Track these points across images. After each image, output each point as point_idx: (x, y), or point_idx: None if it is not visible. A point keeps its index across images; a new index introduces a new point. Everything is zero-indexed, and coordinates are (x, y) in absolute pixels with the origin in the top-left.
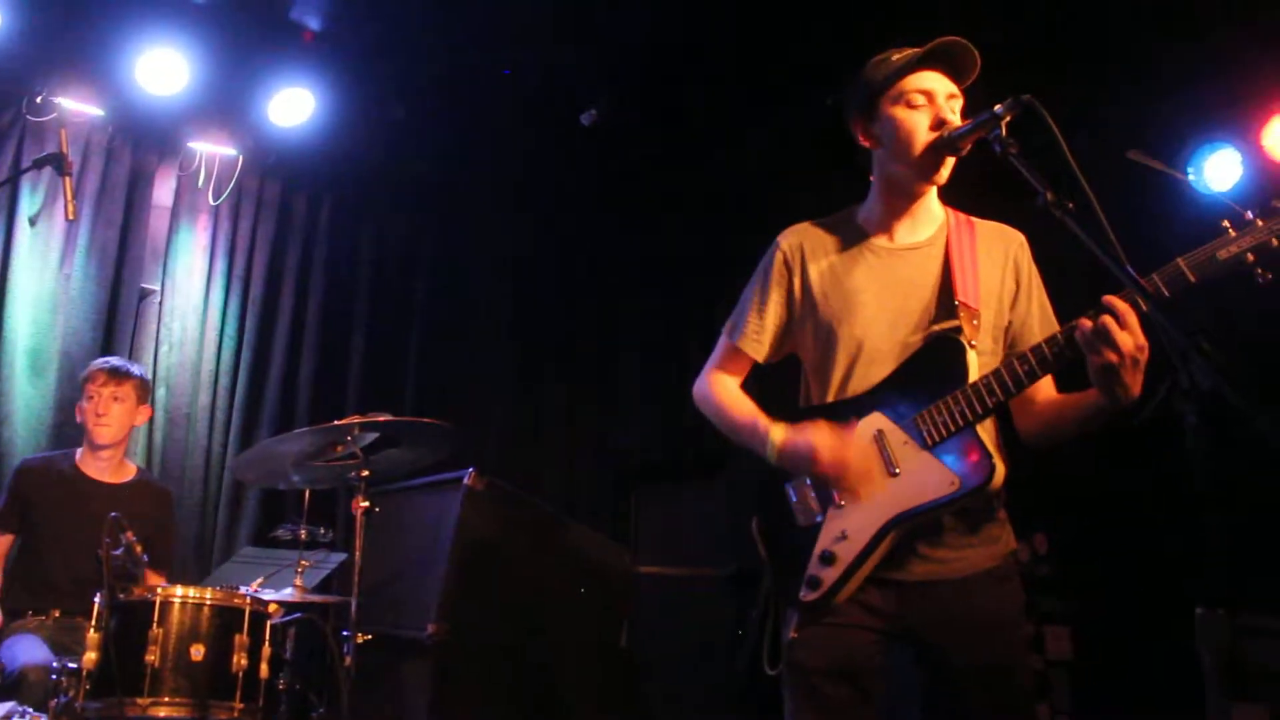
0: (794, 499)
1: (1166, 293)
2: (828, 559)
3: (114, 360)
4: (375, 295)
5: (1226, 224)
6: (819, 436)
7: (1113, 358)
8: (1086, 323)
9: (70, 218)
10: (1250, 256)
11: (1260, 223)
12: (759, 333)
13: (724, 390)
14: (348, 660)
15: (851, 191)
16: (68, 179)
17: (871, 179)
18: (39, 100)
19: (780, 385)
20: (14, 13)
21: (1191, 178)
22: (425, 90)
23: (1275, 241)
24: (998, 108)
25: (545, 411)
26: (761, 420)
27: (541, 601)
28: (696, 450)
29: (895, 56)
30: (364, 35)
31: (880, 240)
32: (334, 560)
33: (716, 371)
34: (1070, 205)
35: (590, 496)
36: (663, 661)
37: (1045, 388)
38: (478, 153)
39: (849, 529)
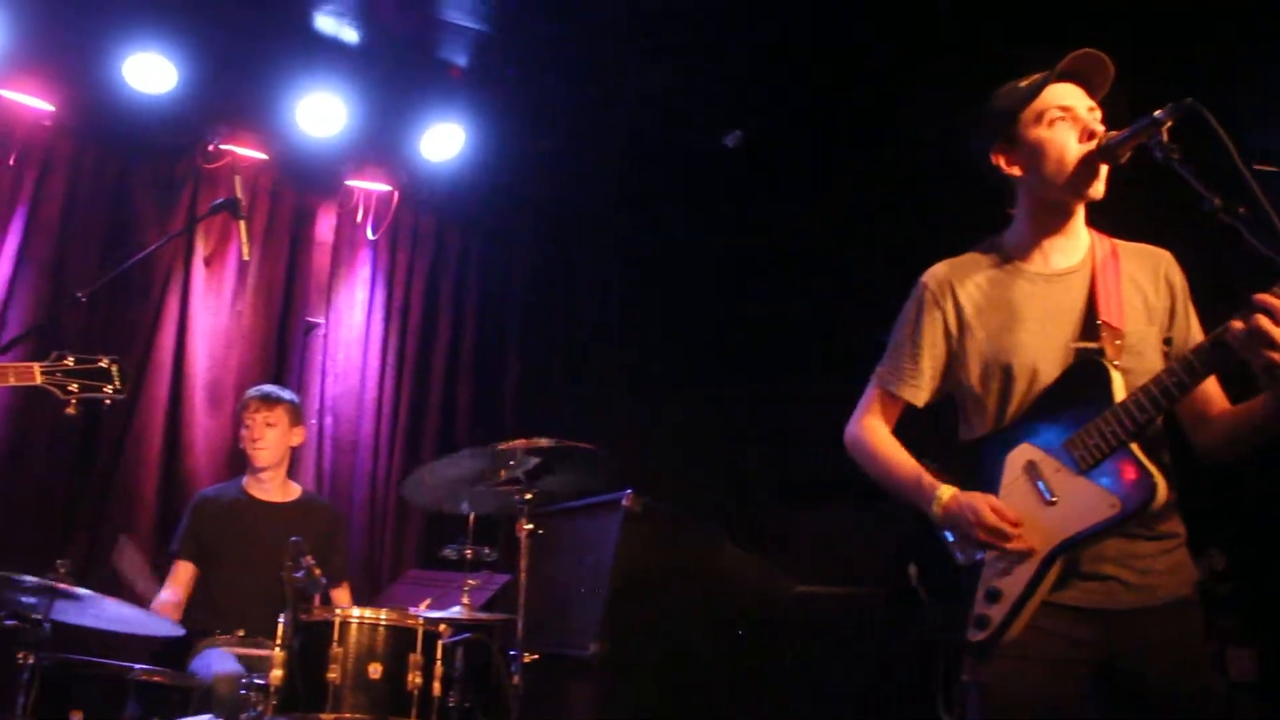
0: (951, 539)
1: None
2: (993, 596)
3: (265, 387)
4: (528, 320)
5: None
6: (985, 507)
7: (1275, 356)
8: (1238, 324)
9: (246, 258)
10: None
11: None
12: (916, 376)
13: (880, 439)
14: (516, 679)
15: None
16: (243, 222)
17: (1012, 212)
18: (210, 149)
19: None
20: (187, 68)
21: None
22: (570, 119)
23: None
24: (1158, 113)
25: (699, 432)
26: (926, 477)
27: (702, 621)
28: (853, 470)
29: (1023, 83)
30: (508, 68)
31: (1035, 266)
32: (497, 581)
33: (869, 418)
34: (1241, 210)
35: (744, 515)
36: (822, 680)
37: (1217, 401)
38: (625, 178)
39: (1012, 563)
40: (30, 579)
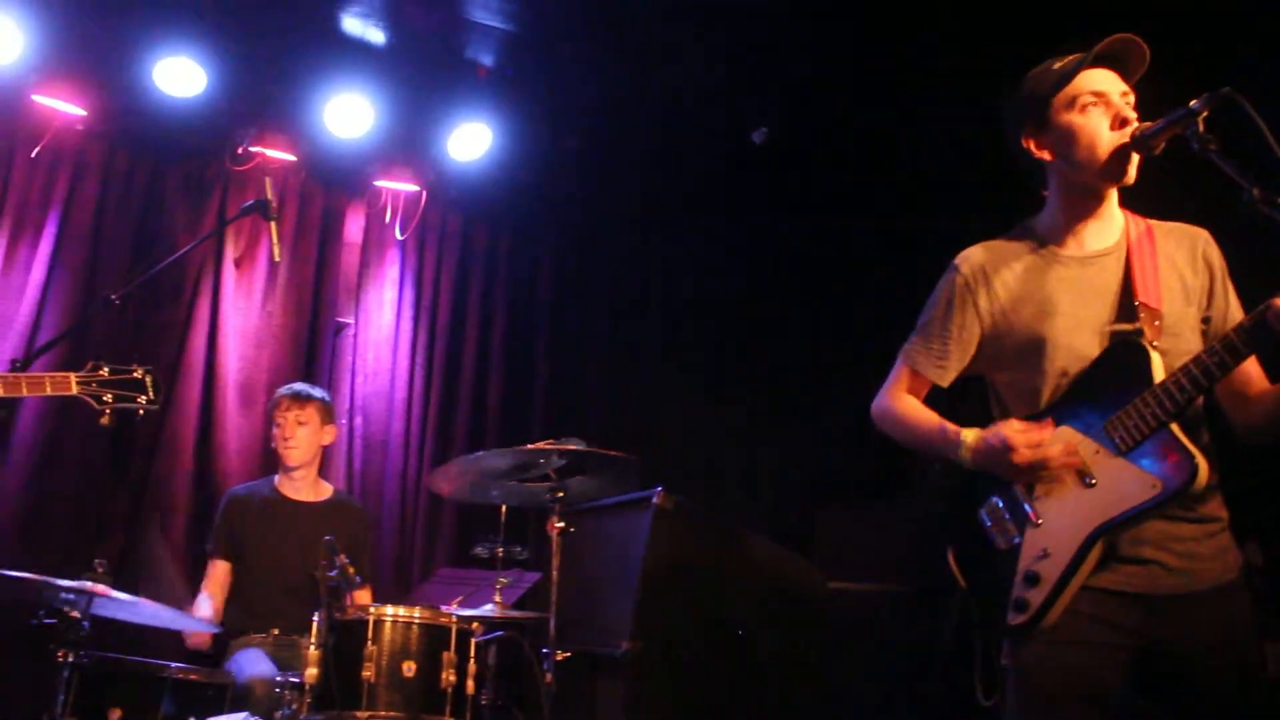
0: (988, 523)
1: None
2: (1032, 579)
3: (296, 386)
4: (556, 319)
5: None
6: (1011, 428)
7: None
8: None
9: (277, 259)
10: None
11: None
12: (943, 359)
13: (904, 403)
14: (548, 677)
15: (1023, 198)
16: (273, 223)
17: (1045, 194)
18: (240, 151)
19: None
20: (216, 72)
21: None
22: (597, 118)
23: None
24: (1194, 103)
25: (727, 428)
26: (950, 426)
27: (733, 618)
28: (880, 467)
29: (1056, 65)
30: (535, 68)
31: (1069, 250)
32: (528, 579)
33: (896, 391)
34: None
35: (772, 513)
36: (855, 677)
37: (1258, 380)
38: (651, 177)
39: (1050, 546)
40: (68, 583)
